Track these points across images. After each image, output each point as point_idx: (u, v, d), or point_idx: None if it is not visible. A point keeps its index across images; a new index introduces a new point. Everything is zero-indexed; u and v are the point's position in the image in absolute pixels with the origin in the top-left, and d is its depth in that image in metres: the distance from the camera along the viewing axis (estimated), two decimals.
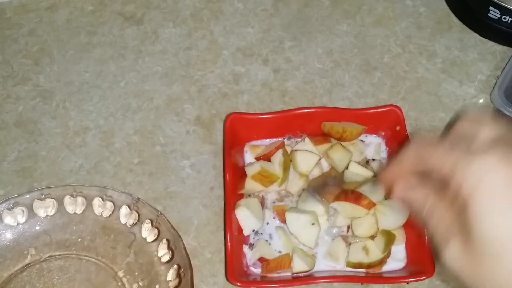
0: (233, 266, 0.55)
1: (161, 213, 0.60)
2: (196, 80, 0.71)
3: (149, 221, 0.60)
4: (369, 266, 0.57)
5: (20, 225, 0.60)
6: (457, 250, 0.35)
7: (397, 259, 0.58)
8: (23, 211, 0.60)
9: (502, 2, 0.69)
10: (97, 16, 0.76)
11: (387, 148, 0.64)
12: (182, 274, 0.57)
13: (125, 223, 0.61)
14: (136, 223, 0.60)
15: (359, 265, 0.58)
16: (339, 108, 0.66)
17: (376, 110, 0.64)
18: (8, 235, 0.60)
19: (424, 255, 0.56)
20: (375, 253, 0.58)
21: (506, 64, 0.67)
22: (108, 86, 0.71)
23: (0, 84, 0.71)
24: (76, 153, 0.66)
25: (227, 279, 0.55)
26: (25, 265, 0.59)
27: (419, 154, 0.37)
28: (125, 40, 0.74)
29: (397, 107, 0.63)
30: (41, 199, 0.61)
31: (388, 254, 0.58)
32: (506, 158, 0.33)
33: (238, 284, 0.54)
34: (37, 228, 0.61)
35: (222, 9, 0.77)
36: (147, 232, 0.60)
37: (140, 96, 0.70)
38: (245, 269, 0.58)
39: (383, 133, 0.64)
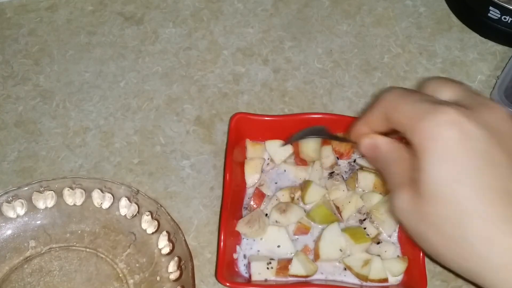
0: (224, 265, 0.54)
1: (160, 205, 0.60)
2: (196, 80, 0.71)
3: (148, 213, 0.60)
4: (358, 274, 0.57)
5: (20, 218, 0.60)
6: (406, 200, 0.39)
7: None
8: (22, 203, 0.60)
9: (502, 2, 0.69)
10: (97, 16, 0.76)
11: None
12: (183, 266, 0.57)
13: (125, 215, 0.61)
14: (135, 215, 0.60)
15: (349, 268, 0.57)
16: (349, 117, 0.64)
17: None
18: (8, 228, 0.60)
19: (418, 271, 0.54)
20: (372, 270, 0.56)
21: (506, 64, 0.67)
22: (108, 86, 0.71)
23: (0, 84, 0.71)
24: (76, 153, 0.66)
25: (217, 279, 0.54)
26: (26, 258, 0.59)
27: (385, 110, 0.40)
28: (125, 40, 0.75)
29: None
30: (40, 191, 0.61)
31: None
32: (463, 116, 0.36)
33: (227, 284, 0.53)
34: (37, 220, 0.61)
35: (222, 9, 0.77)
36: (147, 224, 0.60)
37: (140, 96, 0.70)
38: (237, 269, 0.57)
39: None
